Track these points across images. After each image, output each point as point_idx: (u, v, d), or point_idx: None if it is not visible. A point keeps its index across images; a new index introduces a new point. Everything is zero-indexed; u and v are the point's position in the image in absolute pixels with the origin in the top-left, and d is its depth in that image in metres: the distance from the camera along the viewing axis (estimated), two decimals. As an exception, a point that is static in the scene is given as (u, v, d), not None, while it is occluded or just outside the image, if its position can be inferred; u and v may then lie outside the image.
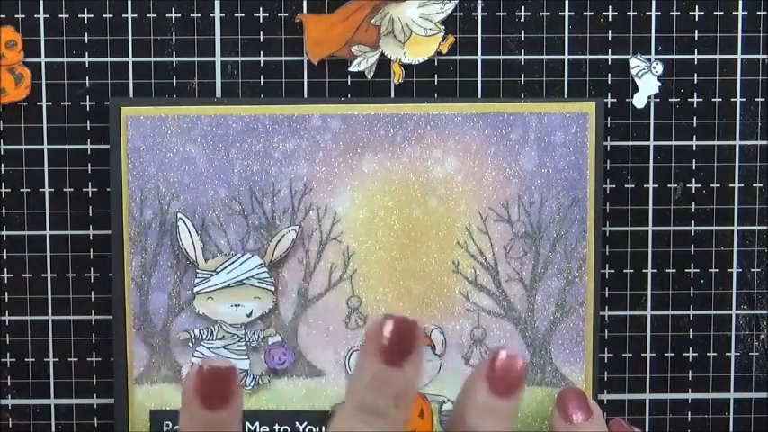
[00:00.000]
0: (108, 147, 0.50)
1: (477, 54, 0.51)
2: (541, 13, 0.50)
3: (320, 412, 0.50)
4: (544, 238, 0.50)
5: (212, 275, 0.49)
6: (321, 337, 0.50)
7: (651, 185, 0.51)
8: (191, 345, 0.50)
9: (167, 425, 0.50)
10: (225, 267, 0.49)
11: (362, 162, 0.49)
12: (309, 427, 0.50)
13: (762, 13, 0.50)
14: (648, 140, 0.51)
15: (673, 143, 0.51)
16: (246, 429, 0.50)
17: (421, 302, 0.50)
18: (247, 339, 0.50)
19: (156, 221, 0.49)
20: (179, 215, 0.49)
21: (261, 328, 0.50)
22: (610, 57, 0.51)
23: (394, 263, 0.50)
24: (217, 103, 0.49)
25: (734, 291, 0.51)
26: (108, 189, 0.50)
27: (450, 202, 0.49)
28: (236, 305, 0.49)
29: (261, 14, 0.50)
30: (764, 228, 0.51)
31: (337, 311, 0.50)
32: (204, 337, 0.50)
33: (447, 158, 0.49)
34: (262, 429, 0.50)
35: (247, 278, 0.49)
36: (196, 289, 0.49)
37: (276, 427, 0.50)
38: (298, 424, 0.50)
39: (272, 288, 0.50)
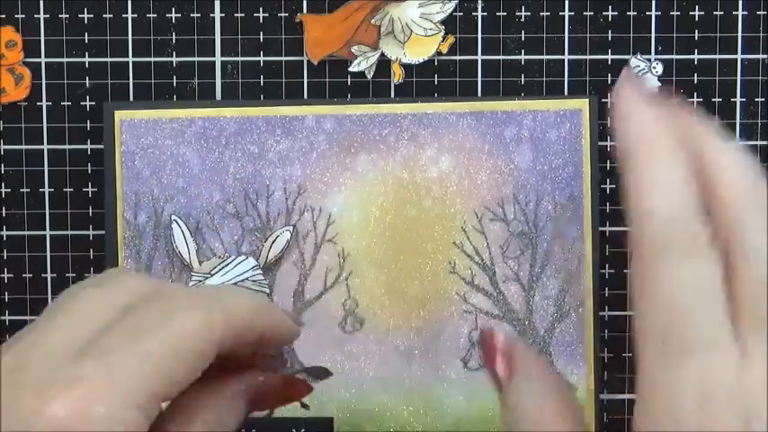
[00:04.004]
0: (107, 147, 0.50)
1: (477, 54, 0.50)
2: (541, 13, 0.50)
3: (318, 419, 0.50)
4: (541, 237, 0.50)
5: (207, 278, 0.49)
6: (317, 341, 0.50)
7: (651, 185, 0.51)
8: (186, 349, 0.50)
9: None
10: (219, 270, 0.49)
11: (356, 162, 0.49)
12: (308, 435, 0.50)
13: (762, 13, 0.50)
14: (648, 140, 0.51)
15: (673, 143, 0.51)
16: (242, 438, 0.50)
17: (418, 304, 0.50)
18: (243, 343, 0.50)
19: (151, 225, 0.49)
20: (173, 218, 0.49)
21: (257, 332, 0.50)
22: (610, 57, 0.51)
23: (390, 264, 0.49)
24: (210, 106, 0.49)
25: (734, 291, 0.51)
26: (108, 189, 0.50)
27: (445, 202, 0.49)
28: None
29: (261, 14, 0.50)
30: (765, 228, 0.51)
31: (333, 314, 0.50)
32: (200, 340, 0.49)
33: (441, 157, 0.49)
34: None
35: (242, 281, 0.49)
36: (191, 292, 0.49)
37: None
38: (294, 431, 0.50)
39: (268, 290, 0.49)
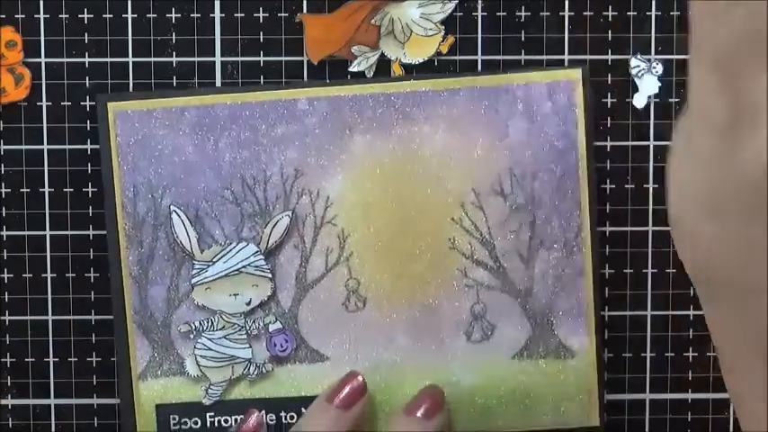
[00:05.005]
0: (107, 147, 0.50)
1: (477, 54, 0.51)
2: (541, 14, 0.50)
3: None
4: (539, 210, 0.49)
5: (209, 266, 0.49)
6: (321, 322, 0.50)
7: (651, 185, 0.51)
8: (192, 337, 0.50)
9: (174, 418, 0.50)
10: (221, 257, 0.49)
11: (352, 143, 0.49)
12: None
13: (761, 12, 0.50)
14: (648, 140, 0.51)
15: (673, 143, 0.51)
16: (252, 419, 0.50)
17: (419, 281, 0.50)
18: (248, 328, 0.50)
19: (150, 215, 0.49)
20: (172, 207, 0.49)
21: (261, 316, 0.50)
22: (610, 57, 0.51)
23: (390, 243, 0.49)
24: (203, 93, 0.49)
25: (734, 290, 0.51)
26: (108, 189, 0.50)
27: (442, 179, 0.49)
28: (235, 294, 0.49)
29: (261, 14, 0.50)
30: (764, 228, 0.51)
31: (336, 295, 0.50)
32: (205, 328, 0.50)
33: (436, 135, 0.49)
34: (269, 418, 0.50)
35: (244, 267, 0.49)
36: (194, 280, 0.49)
37: (282, 414, 0.50)
38: (304, 410, 0.50)
39: (270, 275, 0.49)
